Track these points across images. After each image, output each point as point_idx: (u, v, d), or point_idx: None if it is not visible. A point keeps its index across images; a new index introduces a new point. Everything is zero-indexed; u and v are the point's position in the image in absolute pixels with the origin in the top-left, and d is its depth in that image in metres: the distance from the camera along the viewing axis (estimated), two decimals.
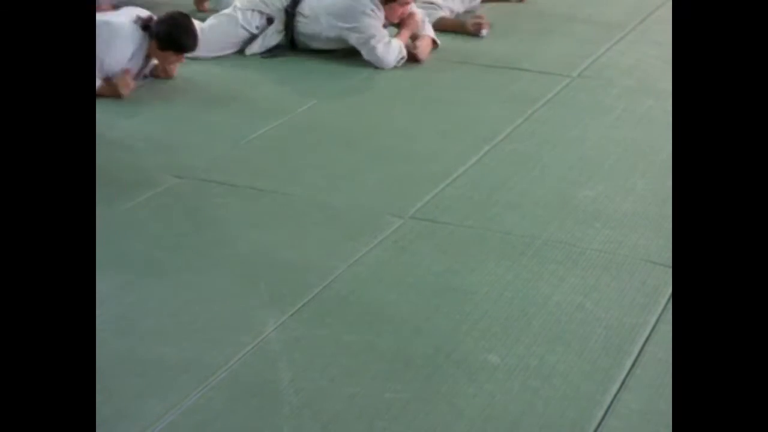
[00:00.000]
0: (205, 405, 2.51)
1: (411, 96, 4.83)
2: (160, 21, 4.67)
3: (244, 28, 5.26)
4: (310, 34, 5.25)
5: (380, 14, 5.16)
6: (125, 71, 4.63)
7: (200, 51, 4.91)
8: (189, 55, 4.86)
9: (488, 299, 3.05)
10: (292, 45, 5.27)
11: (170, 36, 4.66)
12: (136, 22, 4.67)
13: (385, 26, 5.19)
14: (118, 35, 4.61)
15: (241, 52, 5.25)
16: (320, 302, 3.01)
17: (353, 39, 5.14)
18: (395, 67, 5.10)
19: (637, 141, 4.32)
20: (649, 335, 2.88)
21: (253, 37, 5.26)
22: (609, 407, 2.56)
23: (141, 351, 2.72)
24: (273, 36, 5.26)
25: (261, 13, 5.26)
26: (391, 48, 5.10)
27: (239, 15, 5.27)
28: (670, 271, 3.19)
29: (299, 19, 5.24)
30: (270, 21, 5.26)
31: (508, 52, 5.41)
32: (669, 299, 3.04)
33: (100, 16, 4.62)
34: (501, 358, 2.75)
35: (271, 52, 5.23)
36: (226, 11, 5.36)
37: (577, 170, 3.97)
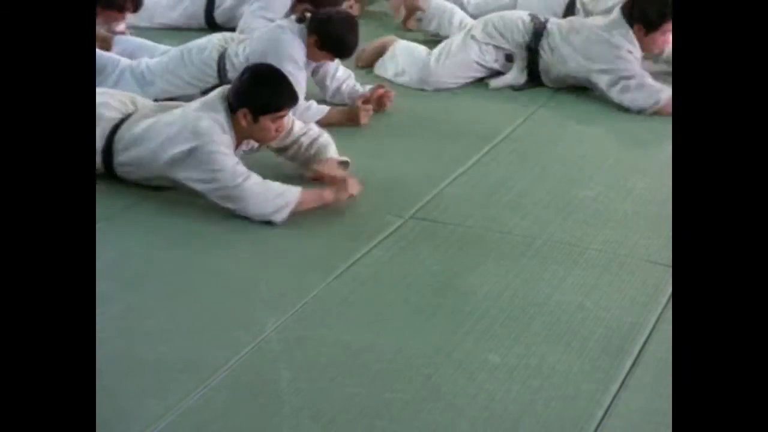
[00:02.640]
0: (205, 405, 2.51)
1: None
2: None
3: (480, 64, 4.85)
4: (554, 77, 4.77)
5: (637, 53, 4.55)
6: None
7: (426, 83, 4.80)
8: (412, 85, 4.80)
9: (488, 299, 3.05)
10: (533, 82, 4.80)
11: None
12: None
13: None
14: None
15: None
16: (320, 302, 3.01)
17: (603, 81, 4.60)
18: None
19: (638, 141, 4.32)
20: (649, 335, 2.88)
21: (492, 73, 4.85)
22: (609, 407, 2.56)
23: (141, 351, 2.72)
24: (516, 76, 4.81)
25: (498, 48, 4.80)
26: (645, 88, 4.51)
27: (474, 48, 4.82)
28: (670, 271, 3.19)
29: (542, 56, 4.73)
30: (509, 58, 4.80)
31: None
32: (669, 299, 3.04)
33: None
34: (501, 358, 2.75)
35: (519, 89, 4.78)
36: (456, 40, 4.86)
37: (577, 170, 3.98)
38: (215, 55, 4.43)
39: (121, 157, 3.62)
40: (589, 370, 2.72)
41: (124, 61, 4.62)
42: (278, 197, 3.45)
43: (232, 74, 4.26)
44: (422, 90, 4.84)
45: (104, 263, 2.92)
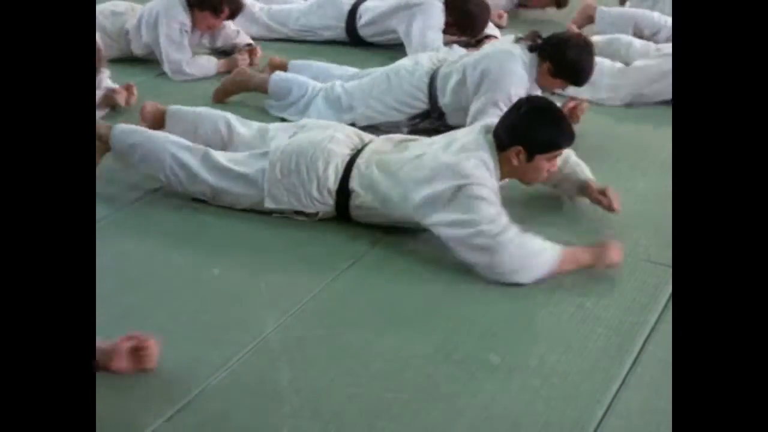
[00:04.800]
0: (205, 405, 2.51)
1: None
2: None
3: None
4: None
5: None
6: None
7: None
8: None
9: (488, 299, 3.05)
10: None
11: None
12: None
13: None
14: None
15: None
16: (320, 302, 3.01)
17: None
18: None
19: (637, 141, 4.32)
20: (649, 335, 2.88)
21: None
22: (609, 407, 2.56)
23: None
24: None
25: None
26: None
27: None
28: (670, 271, 3.19)
29: None
30: None
31: None
32: (669, 299, 3.04)
33: None
34: (501, 358, 2.75)
35: None
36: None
37: None
38: (426, 79, 4.21)
39: (358, 200, 3.36)
40: (589, 370, 2.72)
41: (314, 84, 4.47)
42: (536, 256, 3.10)
43: (443, 99, 4.14)
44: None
45: (104, 263, 2.92)
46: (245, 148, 3.66)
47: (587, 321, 2.95)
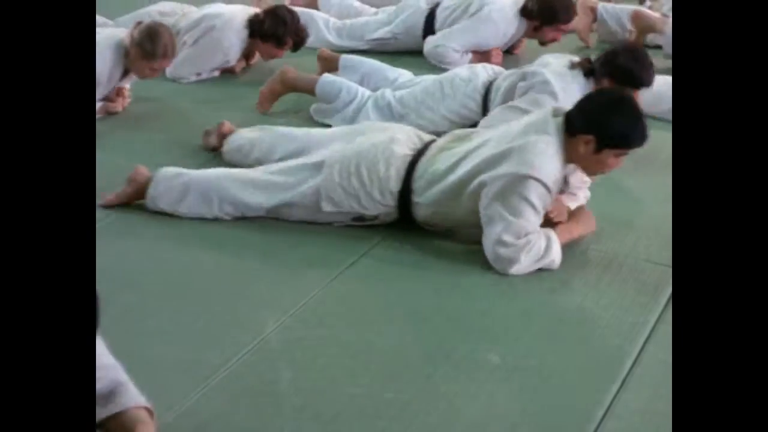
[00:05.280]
0: (205, 405, 2.51)
1: None
2: None
3: None
4: None
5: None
6: None
7: None
8: None
9: (488, 299, 3.05)
10: None
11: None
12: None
13: None
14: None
15: None
16: (320, 302, 3.01)
17: None
18: None
19: None
20: (649, 335, 2.88)
21: None
22: (609, 407, 2.56)
23: (141, 351, 2.72)
24: None
25: None
26: None
27: None
28: (670, 271, 3.19)
29: None
30: None
31: None
32: (669, 299, 3.04)
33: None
34: (501, 358, 2.75)
35: None
36: None
37: None
38: (482, 90, 4.14)
39: (421, 197, 3.31)
40: (589, 370, 2.72)
41: (363, 90, 4.40)
42: (544, 258, 3.14)
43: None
44: None
45: (104, 263, 2.92)
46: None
47: (587, 321, 2.95)
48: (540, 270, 3.19)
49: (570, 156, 3.16)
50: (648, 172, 3.98)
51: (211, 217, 3.46)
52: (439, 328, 2.89)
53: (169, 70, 4.90)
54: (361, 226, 3.40)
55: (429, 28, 5.48)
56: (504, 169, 3.11)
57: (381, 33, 5.58)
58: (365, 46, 5.57)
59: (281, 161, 3.60)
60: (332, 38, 5.59)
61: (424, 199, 3.30)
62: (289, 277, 3.15)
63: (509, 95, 4.05)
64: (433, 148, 3.38)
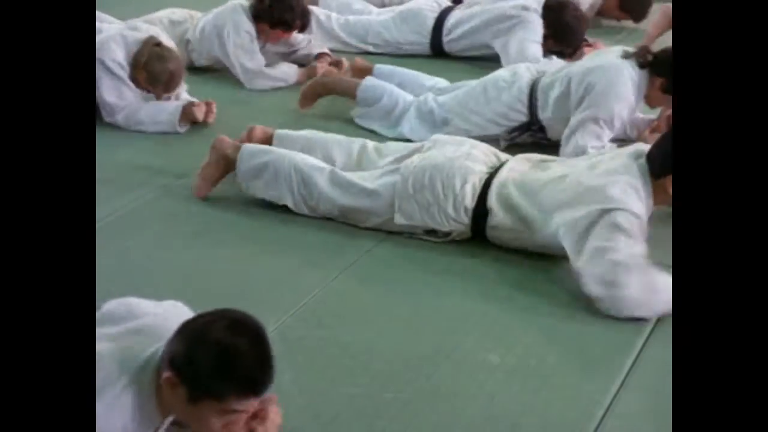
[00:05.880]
0: None
1: None
2: None
3: None
4: None
5: None
6: None
7: None
8: None
9: (488, 299, 3.05)
10: None
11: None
12: None
13: None
14: None
15: None
16: (320, 302, 3.01)
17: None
18: None
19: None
20: (649, 335, 2.88)
21: None
22: (609, 407, 2.56)
23: None
24: None
25: None
26: None
27: None
28: (669, 270, 3.18)
29: None
30: None
31: None
32: None
33: None
34: (501, 358, 2.75)
35: None
36: None
37: None
38: (527, 90, 4.05)
39: (495, 220, 3.23)
40: (589, 370, 2.72)
41: (405, 96, 4.32)
42: (660, 293, 2.90)
43: (544, 112, 3.98)
44: None
45: (104, 263, 2.91)
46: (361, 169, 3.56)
47: (587, 321, 2.94)
48: (539, 270, 3.19)
49: (658, 198, 3.05)
50: None
51: (287, 201, 3.47)
52: (439, 328, 2.89)
53: (245, 81, 4.92)
54: (439, 241, 3.33)
55: (437, 35, 5.38)
56: (584, 210, 3.01)
57: (384, 38, 5.49)
58: (369, 49, 5.50)
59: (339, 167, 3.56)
60: (338, 32, 5.52)
61: (498, 222, 3.23)
62: (289, 277, 3.16)
63: (563, 102, 3.95)
64: (507, 169, 3.29)
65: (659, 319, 2.94)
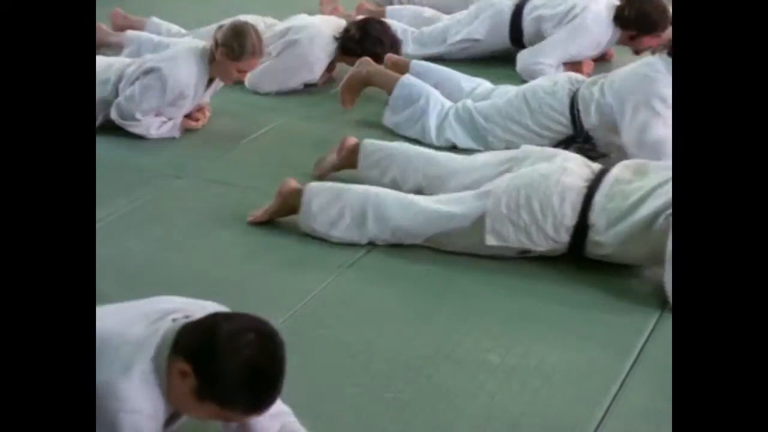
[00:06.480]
0: None
1: None
2: None
3: None
4: None
5: None
6: None
7: None
8: None
9: (488, 299, 3.05)
10: None
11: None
12: None
13: None
14: None
15: None
16: (320, 302, 3.01)
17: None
18: None
19: None
20: (649, 335, 2.88)
21: None
22: (609, 407, 2.56)
23: None
24: None
25: None
26: None
27: None
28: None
29: None
30: None
31: None
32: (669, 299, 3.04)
33: None
34: (501, 358, 2.75)
35: None
36: None
37: None
38: (567, 101, 3.91)
39: (603, 236, 3.08)
40: (589, 370, 2.72)
41: (443, 101, 4.18)
42: None
43: (588, 120, 3.84)
44: None
45: (104, 263, 2.92)
46: (444, 185, 3.43)
47: (587, 321, 2.95)
48: (540, 270, 3.19)
49: None
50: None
51: (365, 242, 3.29)
52: (439, 328, 2.89)
53: (249, 81, 4.69)
54: (516, 258, 3.21)
55: (516, 27, 5.20)
56: None
57: (463, 35, 5.25)
58: (447, 50, 5.27)
59: (417, 184, 3.48)
60: (411, 49, 5.23)
61: (606, 238, 3.09)
62: (289, 277, 3.15)
63: (605, 108, 3.83)
64: (608, 180, 3.15)
65: (659, 319, 2.94)
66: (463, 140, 4.04)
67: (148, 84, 4.09)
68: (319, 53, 4.75)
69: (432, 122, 4.13)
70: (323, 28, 4.79)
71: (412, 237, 3.29)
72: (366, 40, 4.68)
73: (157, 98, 4.10)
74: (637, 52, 4.96)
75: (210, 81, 4.24)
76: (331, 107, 4.58)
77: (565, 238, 3.13)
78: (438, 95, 4.20)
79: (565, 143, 3.91)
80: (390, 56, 4.58)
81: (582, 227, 3.11)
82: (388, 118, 4.28)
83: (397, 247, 3.32)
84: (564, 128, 3.93)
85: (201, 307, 2.26)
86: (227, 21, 4.34)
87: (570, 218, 3.11)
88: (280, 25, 4.90)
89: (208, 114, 4.38)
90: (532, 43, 5.13)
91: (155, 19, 5.28)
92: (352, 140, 3.74)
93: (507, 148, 3.78)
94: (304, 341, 2.79)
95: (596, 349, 2.81)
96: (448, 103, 4.17)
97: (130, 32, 5.05)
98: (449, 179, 3.47)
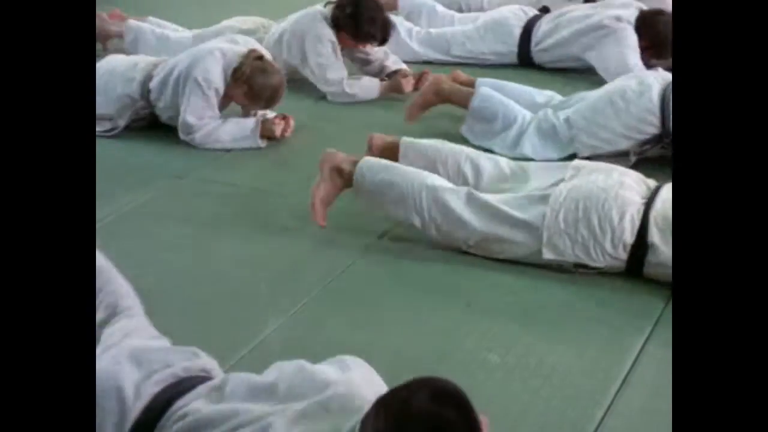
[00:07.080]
0: None
1: None
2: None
3: None
4: None
5: None
6: None
7: None
8: None
9: (488, 299, 3.05)
10: None
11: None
12: None
13: None
14: None
15: None
16: (320, 302, 3.01)
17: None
18: None
19: None
20: (649, 335, 2.88)
21: None
22: (609, 407, 2.56)
23: None
24: None
25: None
26: None
27: None
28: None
29: None
30: None
31: None
32: (669, 299, 3.04)
33: None
34: (501, 358, 2.75)
35: None
36: None
37: None
38: (657, 101, 3.76)
39: (661, 257, 2.99)
40: (589, 370, 2.72)
41: (523, 113, 4.06)
42: None
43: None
44: None
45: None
46: (495, 189, 3.31)
47: (587, 321, 2.95)
48: (539, 269, 3.19)
49: None
50: (648, 173, 3.97)
51: (414, 221, 3.23)
52: (439, 328, 2.89)
53: (329, 93, 4.73)
54: (586, 272, 3.12)
55: (525, 45, 5.17)
56: None
57: (468, 48, 5.26)
58: (451, 60, 5.24)
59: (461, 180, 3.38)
60: (416, 47, 5.28)
61: (663, 259, 2.98)
62: (289, 277, 3.16)
63: None
64: (661, 200, 3.06)
65: (659, 319, 2.94)
66: (541, 152, 3.91)
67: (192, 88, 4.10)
68: (324, 31, 4.72)
69: (512, 134, 4.02)
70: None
71: (466, 231, 3.18)
72: (358, 15, 4.66)
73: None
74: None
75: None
76: (335, 107, 4.59)
77: (623, 255, 3.05)
78: (517, 107, 4.10)
79: (651, 143, 3.82)
80: (457, 74, 4.46)
81: (641, 246, 3.03)
82: (467, 130, 4.16)
83: (397, 248, 3.33)
84: (654, 128, 3.79)
85: None
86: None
87: (629, 235, 3.03)
88: (276, 27, 4.92)
89: (292, 123, 4.30)
90: (542, 62, 5.13)
91: (153, 20, 5.30)
92: (381, 139, 3.63)
93: (593, 153, 3.71)
94: (304, 341, 2.79)
95: (596, 349, 2.81)
96: (528, 115, 4.06)
97: (130, 21, 5.12)
98: (492, 182, 3.38)
